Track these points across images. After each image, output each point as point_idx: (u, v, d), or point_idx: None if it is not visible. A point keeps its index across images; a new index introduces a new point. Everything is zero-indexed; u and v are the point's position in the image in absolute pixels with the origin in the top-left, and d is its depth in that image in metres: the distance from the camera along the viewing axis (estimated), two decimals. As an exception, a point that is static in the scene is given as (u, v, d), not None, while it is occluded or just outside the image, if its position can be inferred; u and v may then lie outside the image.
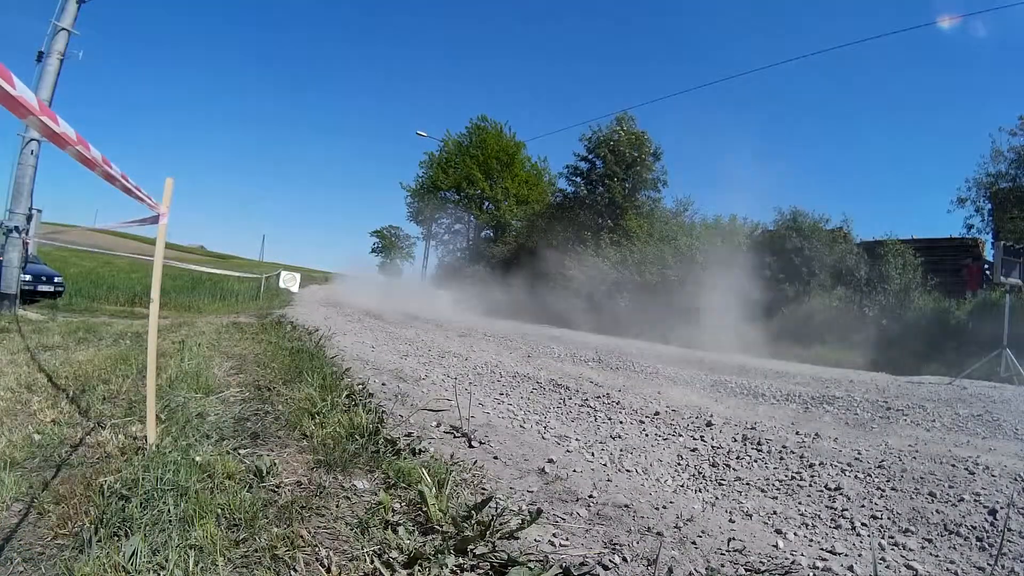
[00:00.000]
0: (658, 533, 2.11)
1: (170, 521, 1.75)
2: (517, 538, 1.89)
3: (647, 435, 3.77)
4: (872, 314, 12.34)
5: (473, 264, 26.98)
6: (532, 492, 2.47)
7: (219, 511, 1.84)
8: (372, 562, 1.64)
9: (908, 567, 1.95)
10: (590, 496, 2.46)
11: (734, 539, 2.10)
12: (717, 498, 2.67)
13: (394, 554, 1.69)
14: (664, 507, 2.41)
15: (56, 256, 16.31)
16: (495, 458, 2.92)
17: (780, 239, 15.32)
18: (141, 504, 1.84)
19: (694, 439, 3.68)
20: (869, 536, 2.22)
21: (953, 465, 3.05)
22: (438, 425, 3.45)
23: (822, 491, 2.72)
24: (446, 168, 30.92)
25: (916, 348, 10.98)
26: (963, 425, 4.39)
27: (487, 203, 29.35)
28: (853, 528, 2.30)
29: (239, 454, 2.46)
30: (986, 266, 13.41)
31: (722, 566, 1.87)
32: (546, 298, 20.27)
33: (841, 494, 2.65)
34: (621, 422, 4.07)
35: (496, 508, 2.07)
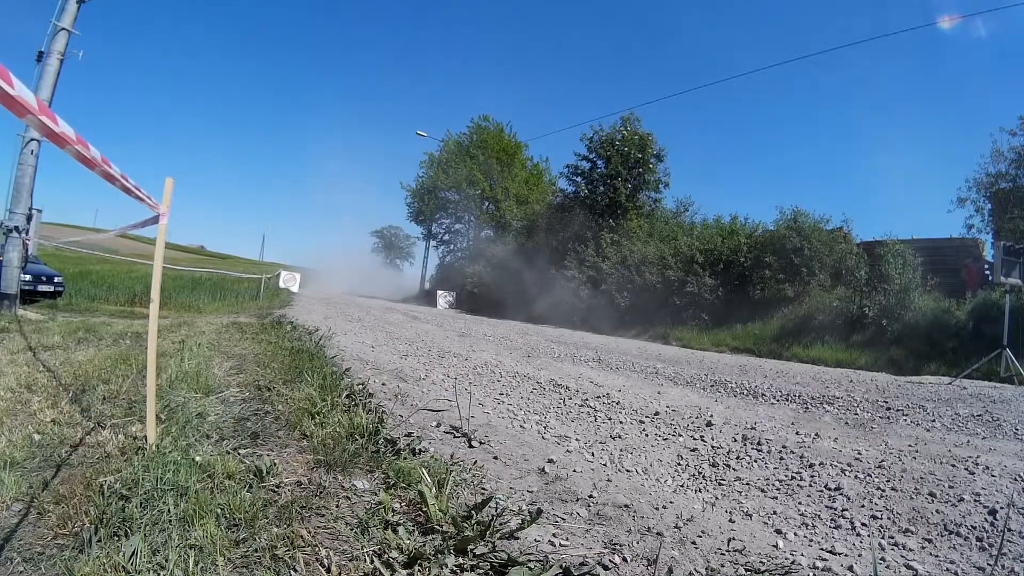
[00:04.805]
0: (658, 533, 2.11)
1: (170, 521, 1.75)
2: (517, 538, 1.89)
3: (647, 435, 3.77)
4: (872, 314, 12.31)
5: (473, 264, 26.93)
6: (532, 492, 2.47)
7: (219, 511, 1.84)
8: (372, 562, 1.64)
9: (908, 567, 1.95)
10: (590, 496, 2.46)
11: (734, 539, 2.10)
12: (717, 498, 2.67)
13: (394, 554, 1.69)
14: (664, 507, 2.41)
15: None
16: (495, 458, 2.92)
17: (780, 239, 15.30)
18: (141, 504, 1.84)
19: (694, 439, 3.68)
20: (869, 536, 2.22)
21: (953, 465, 3.05)
22: (438, 425, 3.45)
23: (822, 491, 2.72)
24: (446, 168, 30.89)
25: (916, 348, 10.96)
26: (963, 425, 4.38)
27: (487, 203, 29.31)
28: (853, 528, 2.30)
29: (239, 454, 2.46)
30: (986, 266, 13.39)
31: (722, 566, 1.87)
32: (546, 298, 20.27)
33: (841, 494, 2.65)
34: (621, 422, 4.07)
35: (496, 508, 2.06)
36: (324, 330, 7.77)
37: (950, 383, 7.32)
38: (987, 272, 12.83)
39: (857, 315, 12.59)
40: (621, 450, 3.38)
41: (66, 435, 2.64)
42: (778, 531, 2.27)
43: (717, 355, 11.61)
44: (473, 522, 1.89)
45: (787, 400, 5.40)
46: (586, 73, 78.62)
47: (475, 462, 2.72)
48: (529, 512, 2.09)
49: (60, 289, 11.25)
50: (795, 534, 2.24)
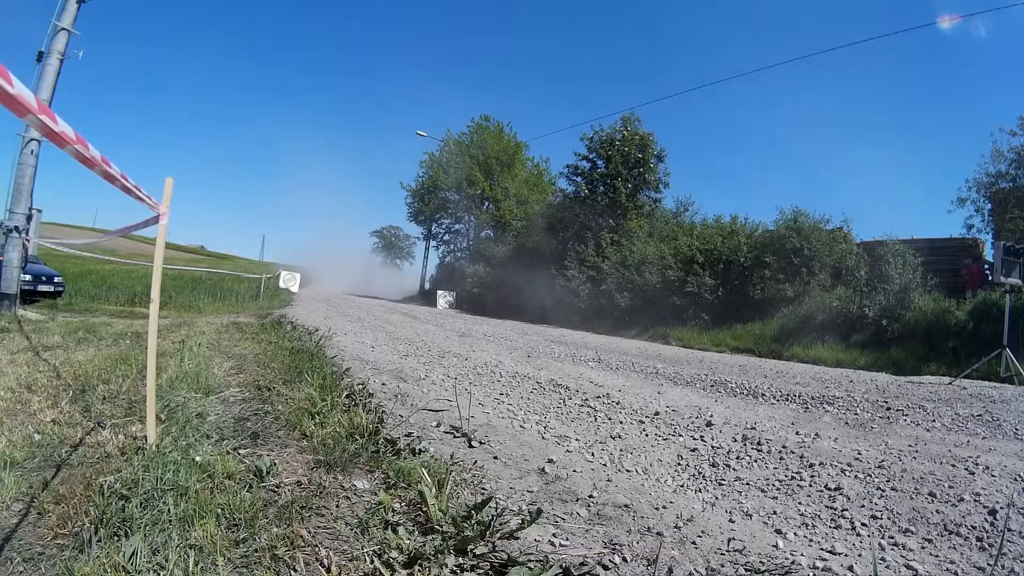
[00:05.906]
0: (658, 533, 2.11)
1: (170, 521, 1.75)
2: (517, 538, 1.89)
3: (647, 435, 3.77)
4: (872, 314, 12.30)
5: (473, 264, 26.93)
6: (532, 492, 2.47)
7: (219, 511, 1.84)
8: (372, 562, 1.64)
9: (908, 567, 1.95)
10: (590, 496, 2.46)
11: (734, 539, 2.10)
12: (717, 498, 2.67)
13: (394, 554, 1.68)
14: (664, 507, 2.41)
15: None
16: (495, 458, 2.92)
17: (780, 239, 15.29)
18: (141, 504, 1.84)
19: (694, 439, 3.68)
20: (869, 536, 2.22)
21: (953, 465, 3.05)
22: (438, 425, 3.45)
23: (822, 491, 2.72)
24: (446, 168, 30.89)
25: (916, 348, 10.95)
26: (963, 425, 4.38)
27: (487, 203, 29.31)
28: (853, 528, 2.30)
29: (239, 454, 2.46)
30: (986, 266, 13.38)
31: (722, 566, 1.86)
32: (546, 298, 20.27)
33: (841, 494, 2.65)
34: (621, 422, 4.07)
35: (496, 508, 2.06)
36: (324, 330, 7.77)
37: (950, 383, 7.32)
38: (987, 272, 12.84)
39: (857, 315, 12.57)
40: (621, 450, 3.38)
41: (66, 435, 2.64)
42: (778, 531, 2.27)
43: (717, 355, 11.61)
44: (473, 522, 1.89)
45: (787, 400, 5.40)
46: (586, 73, 78.70)
47: (475, 462, 2.72)
48: (529, 512, 2.09)
49: (60, 289, 11.25)
50: (795, 534, 2.24)
